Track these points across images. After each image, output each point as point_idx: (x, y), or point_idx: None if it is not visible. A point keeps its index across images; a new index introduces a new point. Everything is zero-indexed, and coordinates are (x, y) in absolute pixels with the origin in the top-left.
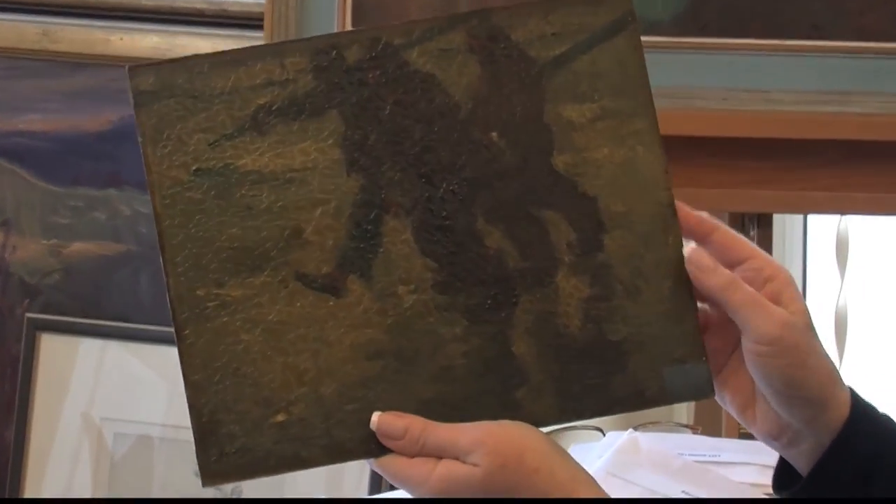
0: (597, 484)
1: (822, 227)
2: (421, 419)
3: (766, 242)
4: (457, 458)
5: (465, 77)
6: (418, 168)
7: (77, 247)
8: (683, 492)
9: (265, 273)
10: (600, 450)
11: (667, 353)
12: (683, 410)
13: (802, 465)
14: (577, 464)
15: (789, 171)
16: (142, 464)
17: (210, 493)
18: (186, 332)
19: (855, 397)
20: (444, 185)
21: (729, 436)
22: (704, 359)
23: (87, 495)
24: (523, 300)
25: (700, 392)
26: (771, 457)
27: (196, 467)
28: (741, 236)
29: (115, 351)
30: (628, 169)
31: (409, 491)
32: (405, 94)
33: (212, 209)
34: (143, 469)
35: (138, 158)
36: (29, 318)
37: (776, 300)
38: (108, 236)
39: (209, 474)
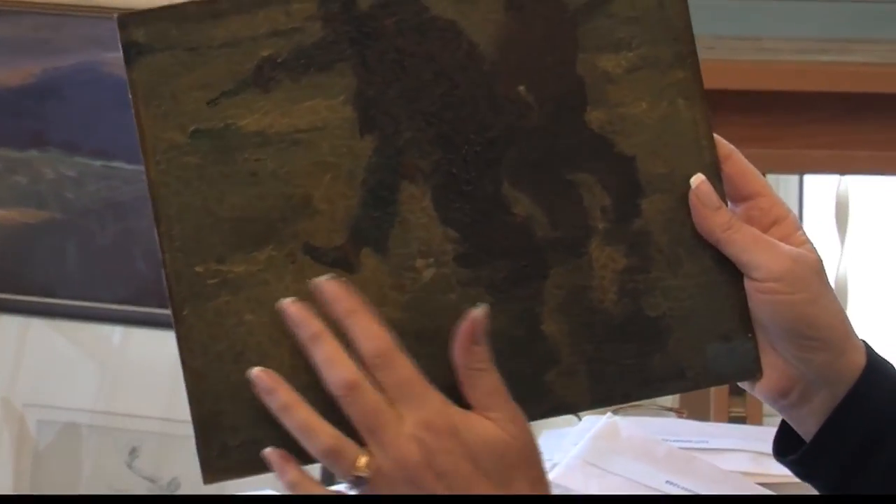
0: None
1: (820, 188)
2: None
3: None
4: None
5: (490, 24)
6: (438, 127)
7: None
8: (668, 482)
9: (270, 246)
10: (576, 436)
11: (710, 329)
12: None
13: (811, 426)
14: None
15: (784, 128)
16: (69, 454)
17: (144, 487)
18: (185, 312)
19: (870, 349)
20: (467, 147)
21: (718, 420)
22: (751, 335)
23: (8, 488)
24: (553, 273)
25: (746, 372)
26: (764, 443)
27: (128, 458)
28: (753, 168)
29: (39, 329)
30: (669, 125)
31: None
32: (423, 43)
33: (211, 175)
34: (71, 460)
35: (64, 116)
36: None
37: (784, 242)
38: (30, 202)
39: (211, 471)
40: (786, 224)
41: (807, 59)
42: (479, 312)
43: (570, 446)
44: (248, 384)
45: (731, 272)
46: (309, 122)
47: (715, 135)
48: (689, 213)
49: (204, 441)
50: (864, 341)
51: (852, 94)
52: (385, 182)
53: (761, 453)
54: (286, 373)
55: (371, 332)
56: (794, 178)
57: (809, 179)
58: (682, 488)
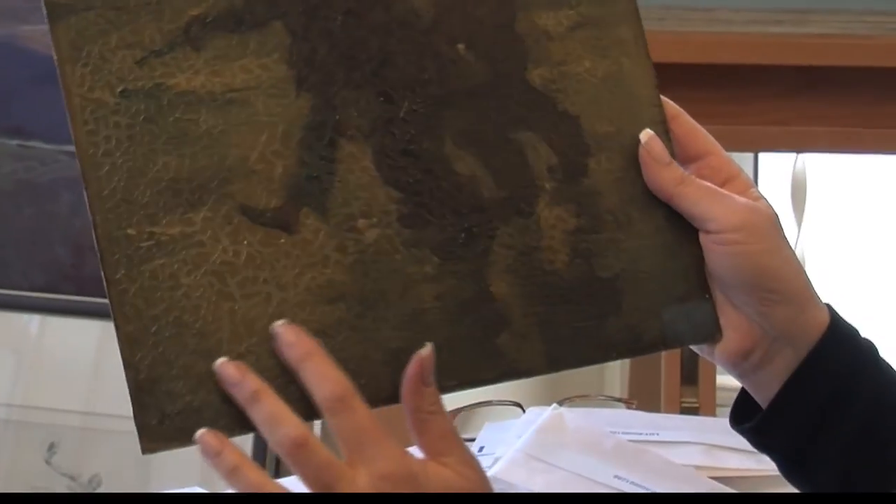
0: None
1: (776, 167)
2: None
3: None
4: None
5: None
6: (376, 85)
7: None
8: (616, 476)
9: (206, 207)
10: (519, 428)
11: (665, 291)
12: (616, 382)
13: (773, 390)
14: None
15: (737, 103)
16: None
17: (63, 484)
18: (118, 276)
19: (833, 310)
20: (407, 104)
21: (669, 410)
22: (708, 296)
23: None
24: (501, 233)
25: (705, 334)
26: (717, 435)
27: (47, 454)
28: (702, 128)
29: None
30: (613, 84)
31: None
32: (358, 0)
33: (142, 136)
34: None
35: None
36: None
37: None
38: None
39: (150, 439)
40: (738, 182)
41: (761, 31)
42: (425, 352)
43: (513, 439)
44: (185, 348)
45: (685, 231)
46: (242, 81)
47: (661, 96)
48: (638, 173)
49: (140, 409)
50: (827, 304)
51: (809, 67)
52: (323, 141)
53: (714, 446)
54: (224, 336)
55: (330, 375)
56: (749, 156)
57: (764, 157)
58: (632, 483)
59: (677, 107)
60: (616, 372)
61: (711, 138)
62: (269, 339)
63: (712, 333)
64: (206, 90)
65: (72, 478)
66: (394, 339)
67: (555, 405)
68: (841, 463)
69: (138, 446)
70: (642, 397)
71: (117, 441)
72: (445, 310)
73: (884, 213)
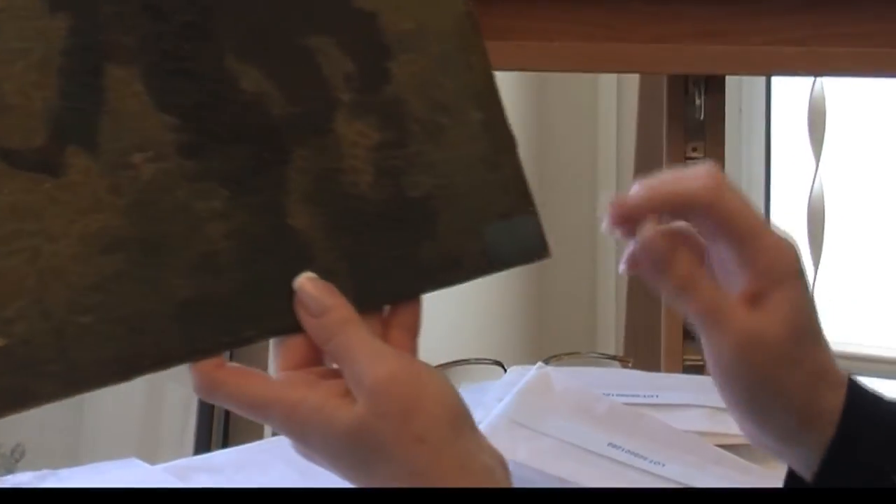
0: (500, 474)
1: (791, 92)
2: (351, 307)
3: (717, 115)
4: (339, 378)
5: None
6: None
7: None
8: (610, 444)
9: None
10: (500, 390)
11: (485, 206)
12: (610, 337)
13: (802, 469)
14: (479, 447)
15: (747, 19)
16: None
17: None
18: None
19: (851, 391)
20: (178, 16)
21: (669, 369)
22: (532, 209)
23: None
24: (296, 156)
25: (532, 252)
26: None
27: None
28: (748, 204)
29: None
30: None
31: (252, 414)
32: None
33: None
34: None
35: None
36: None
37: (759, 300)
38: None
39: None
40: (775, 273)
41: None
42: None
43: (493, 403)
44: None
45: (502, 139)
46: None
47: (698, 169)
48: (445, 73)
49: None
50: (849, 380)
51: None
52: (86, 66)
53: (720, 409)
54: (12, 288)
55: None
56: (761, 80)
57: (778, 82)
58: (628, 451)
59: (718, 177)
60: (610, 326)
61: (757, 214)
62: (40, 300)
63: (538, 251)
64: None
65: None
66: (182, 289)
67: (540, 364)
68: None
69: (65, 413)
70: (639, 355)
71: (42, 407)
72: (239, 250)
73: None
